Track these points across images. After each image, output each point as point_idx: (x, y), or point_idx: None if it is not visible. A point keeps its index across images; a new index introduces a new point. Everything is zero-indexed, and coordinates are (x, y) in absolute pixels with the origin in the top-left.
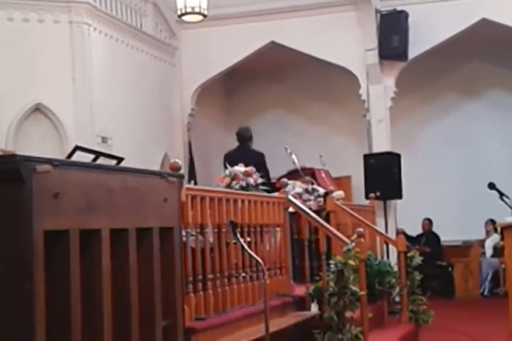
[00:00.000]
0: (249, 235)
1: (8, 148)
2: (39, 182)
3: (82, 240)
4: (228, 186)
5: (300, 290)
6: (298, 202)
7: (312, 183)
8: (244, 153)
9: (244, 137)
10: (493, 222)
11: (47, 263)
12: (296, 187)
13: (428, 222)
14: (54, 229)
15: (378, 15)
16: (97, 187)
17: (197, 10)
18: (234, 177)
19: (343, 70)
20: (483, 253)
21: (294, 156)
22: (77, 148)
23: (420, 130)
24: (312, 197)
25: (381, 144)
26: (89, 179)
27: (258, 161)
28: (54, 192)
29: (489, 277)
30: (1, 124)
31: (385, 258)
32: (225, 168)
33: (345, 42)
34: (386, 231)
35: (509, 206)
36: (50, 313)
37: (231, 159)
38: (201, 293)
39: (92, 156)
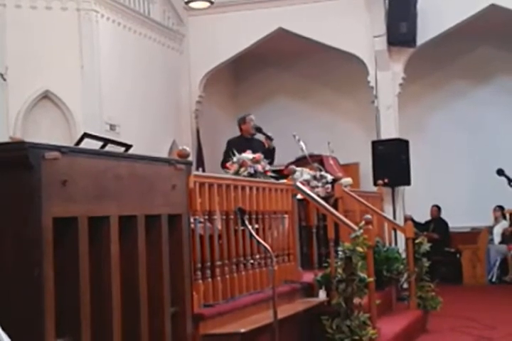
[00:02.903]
0: (257, 222)
1: (17, 135)
2: (48, 169)
3: (91, 227)
4: (236, 173)
5: (308, 277)
6: (306, 189)
7: (320, 170)
8: None
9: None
10: (501, 208)
11: (56, 250)
12: (304, 174)
13: (436, 209)
14: (63, 216)
15: (387, 1)
16: (105, 174)
17: None
18: (242, 164)
19: (351, 57)
20: (492, 240)
21: (302, 143)
22: (85, 135)
23: (429, 116)
24: (320, 184)
25: (389, 131)
26: (98, 166)
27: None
28: (63, 179)
29: (497, 264)
30: (9, 111)
31: (393, 244)
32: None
33: (354, 29)
34: (394, 217)
35: None
36: (59, 300)
37: None
38: (209, 279)
39: (100, 143)
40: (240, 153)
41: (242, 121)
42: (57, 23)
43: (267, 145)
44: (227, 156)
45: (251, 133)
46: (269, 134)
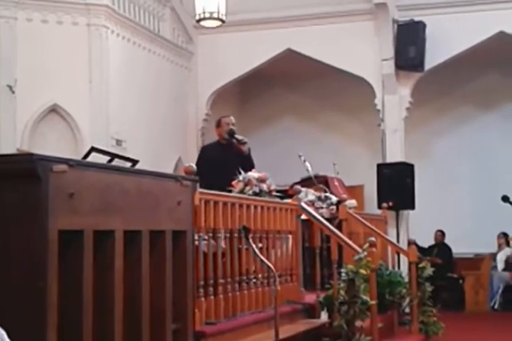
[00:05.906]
0: (260, 241)
1: (24, 147)
2: (55, 181)
3: (96, 241)
4: (241, 191)
5: (310, 298)
6: (310, 210)
7: (325, 191)
8: None
9: None
10: (505, 235)
11: (60, 263)
12: (309, 194)
13: (440, 234)
14: (68, 229)
15: (395, 25)
16: (112, 188)
17: (215, 15)
18: (247, 182)
19: (359, 79)
20: (495, 267)
21: (307, 164)
22: (92, 149)
23: (434, 141)
24: (325, 205)
25: (395, 154)
26: (105, 180)
27: None
28: (69, 192)
29: (500, 291)
30: (17, 124)
31: (396, 268)
32: None
33: (362, 52)
34: (398, 241)
35: None
36: (62, 312)
37: None
38: (212, 297)
39: (107, 158)
40: (212, 161)
41: (216, 124)
42: (68, 37)
43: (243, 151)
44: (198, 164)
45: (225, 138)
46: (240, 138)
